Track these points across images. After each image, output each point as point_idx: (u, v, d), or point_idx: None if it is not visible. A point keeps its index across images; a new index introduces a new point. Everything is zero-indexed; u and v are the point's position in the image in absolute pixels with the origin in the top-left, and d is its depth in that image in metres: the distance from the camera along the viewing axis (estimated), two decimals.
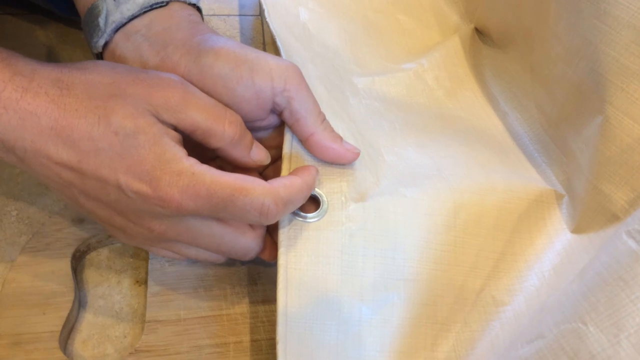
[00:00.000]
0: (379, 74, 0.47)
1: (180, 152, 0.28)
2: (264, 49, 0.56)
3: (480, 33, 0.51)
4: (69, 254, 0.39)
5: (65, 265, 0.38)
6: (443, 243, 0.35)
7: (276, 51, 0.56)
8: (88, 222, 0.40)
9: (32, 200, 0.42)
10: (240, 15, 0.60)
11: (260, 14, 0.61)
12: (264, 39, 0.58)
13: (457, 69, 0.49)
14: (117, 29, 0.34)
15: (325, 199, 0.34)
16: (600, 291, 0.27)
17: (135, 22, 0.34)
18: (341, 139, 0.34)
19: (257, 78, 0.32)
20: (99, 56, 0.35)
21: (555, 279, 0.33)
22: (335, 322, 0.31)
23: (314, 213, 0.33)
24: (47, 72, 0.27)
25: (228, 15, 0.60)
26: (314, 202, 0.34)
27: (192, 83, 0.31)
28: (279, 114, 0.34)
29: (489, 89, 0.47)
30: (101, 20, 0.34)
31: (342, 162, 0.34)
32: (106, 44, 0.34)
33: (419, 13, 0.57)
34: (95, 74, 0.28)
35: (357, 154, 0.34)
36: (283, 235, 0.32)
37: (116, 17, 0.33)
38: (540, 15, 0.40)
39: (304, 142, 0.34)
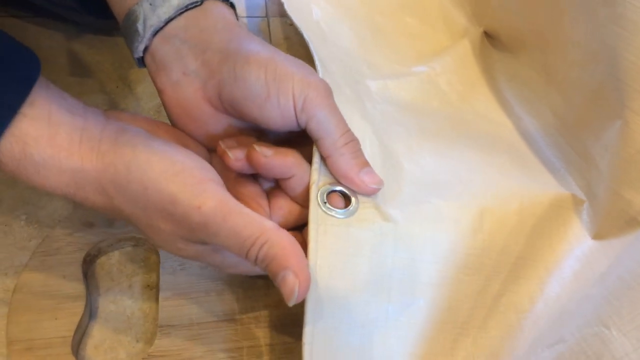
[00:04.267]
0: (391, 77, 0.47)
1: None
2: None
3: (489, 37, 0.51)
4: (80, 258, 0.38)
5: (76, 269, 0.38)
6: (470, 247, 0.35)
7: (287, 52, 0.56)
8: (98, 226, 0.40)
9: (42, 204, 0.42)
10: (247, 17, 0.60)
11: (267, 16, 0.60)
12: (270, 40, 0.58)
13: (468, 72, 0.49)
14: (155, 33, 0.34)
15: (354, 196, 0.33)
16: (623, 295, 0.27)
17: (172, 24, 0.34)
18: (362, 167, 0.33)
19: (281, 97, 0.32)
20: (140, 60, 0.36)
21: (575, 286, 0.33)
22: (361, 322, 0.31)
23: (344, 210, 0.32)
24: (92, 179, 0.29)
25: None
26: (345, 200, 0.33)
27: (228, 93, 0.33)
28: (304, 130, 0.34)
29: (502, 93, 0.47)
30: (140, 26, 0.34)
31: (357, 191, 0.33)
32: (146, 48, 0.35)
33: (427, 16, 0.56)
34: (130, 196, 0.30)
35: (375, 189, 0.33)
36: (313, 233, 0.31)
37: (153, 21, 0.34)
38: (554, 19, 0.40)
39: (324, 161, 0.34)
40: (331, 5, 0.53)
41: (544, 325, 0.33)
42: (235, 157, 0.32)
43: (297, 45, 0.57)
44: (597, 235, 0.35)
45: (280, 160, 0.32)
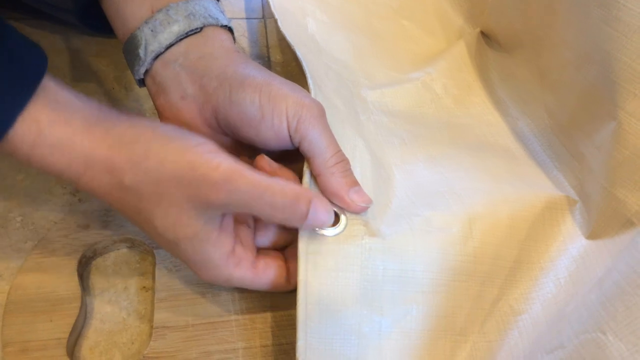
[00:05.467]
0: (387, 86, 0.47)
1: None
2: (267, 52, 0.56)
3: (486, 37, 0.51)
4: (75, 259, 0.38)
5: (71, 271, 0.38)
6: (462, 254, 0.35)
7: (282, 54, 0.57)
8: (94, 228, 0.40)
9: (37, 206, 0.42)
10: (247, 18, 0.60)
11: (264, 17, 0.61)
12: (267, 42, 0.58)
13: (464, 75, 0.49)
14: (156, 57, 0.36)
15: (343, 214, 0.34)
16: (618, 300, 0.27)
17: (173, 49, 0.36)
18: (351, 186, 0.34)
19: (275, 118, 0.33)
20: (141, 82, 0.38)
21: (571, 285, 0.33)
22: (355, 336, 0.31)
23: (333, 227, 0.33)
24: (103, 157, 0.31)
25: (233, 18, 0.60)
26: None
27: (224, 116, 0.35)
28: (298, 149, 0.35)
29: (497, 93, 0.47)
30: (141, 51, 0.36)
31: (346, 209, 0.35)
32: (147, 71, 0.36)
33: (424, 18, 0.57)
34: (145, 170, 0.31)
35: (364, 208, 0.34)
36: (302, 250, 0.32)
37: (155, 47, 0.35)
38: (549, 20, 0.40)
39: (314, 179, 0.35)
40: (327, 16, 0.53)
41: (542, 328, 0.33)
42: None
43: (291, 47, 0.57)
44: (592, 235, 0.35)
45: (283, 175, 0.34)
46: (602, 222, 0.34)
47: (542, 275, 0.34)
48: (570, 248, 0.35)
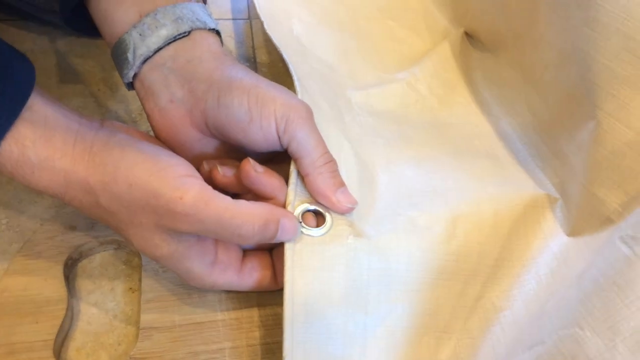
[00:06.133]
0: (373, 86, 0.48)
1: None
2: (254, 53, 0.57)
3: (470, 37, 0.52)
4: (61, 261, 0.38)
5: (57, 273, 0.38)
6: (446, 253, 0.35)
7: (268, 54, 0.57)
8: (80, 230, 0.40)
9: (23, 208, 0.42)
10: (233, 19, 0.60)
11: (250, 18, 0.61)
12: (253, 43, 0.58)
13: (448, 75, 0.49)
14: (144, 61, 0.36)
15: (329, 214, 0.35)
16: (596, 296, 0.27)
17: (161, 53, 0.36)
18: (338, 186, 0.35)
19: (264, 121, 0.34)
20: (130, 85, 0.37)
21: (552, 282, 0.34)
22: (340, 335, 0.32)
23: (319, 228, 0.34)
24: (81, 178, 0.31)
25: (219, 19, 0.60)
26: (318, 218, 0.35)
27: (213, 120, 0.35)
28: (286, 150, 0.36)
29: (481, 93, 0.48)
30: (130, 55, 0.36)
31: (332, 210, 0.35)
32: (135, 75, 0.36)
33: (409, 18, 0.57)
34: (115, 194, 0.31)
35: (349, 208, 0.35)
36: (289, 250, 0.33)
37: (143, 51, 0.35)
38: (531, 20, 0.41)
39: (303, 179, 0.35)
40: (313, 17, 0.53)
41: (523, 325, 0.33)
42: (224, 172, 0.35)
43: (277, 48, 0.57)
44: (572, 232, 0.35)
45: (267, 179, 0.34)
46: (583, 220, 0.35)
47: (524, 272, 0.34)
48: (552, 245, 0.35)
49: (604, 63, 0.33)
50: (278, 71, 0.55)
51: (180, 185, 0.30)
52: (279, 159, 0.37)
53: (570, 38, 0.35)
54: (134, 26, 0.35)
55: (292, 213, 0.33)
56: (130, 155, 0.31)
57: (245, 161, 0.34)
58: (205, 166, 0.36)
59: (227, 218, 0.30)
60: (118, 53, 0.36)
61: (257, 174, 0.34)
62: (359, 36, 0.54)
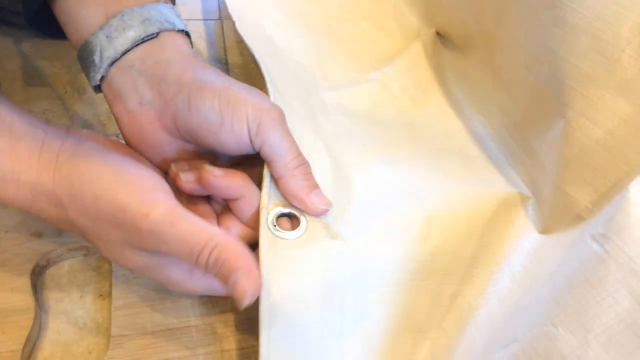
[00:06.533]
0: (346, 87, 0.48)
1: None
2: (225, 54, 0.56)
3: (441, 37, 0.52)
4: (29, 269, 0.37)
5: (24, 281, 0.37)
6: (421, 253, 0.36)
7: (240, 55, 0.56)
8: (47, 236, 0.39)
9: None
10: (204, 19, 0.60)
11: (221, 18, 0.60)
12: (225, 44, 0.57)
13: (421, 74, 0.50)
14: (111, 63, 0.35)
15: (303, 217, 0.34)
16: (568, 294, 0.27)
17: (129, 55, 0.35)
18: (312, 188, 0.34)
19: (236, 124, 0.33)
20: (97, 88, 0.37)
21: (526, 279, 0.34)
22: (317, 338, 0.32)
23: (293, 231, 0.34)
24: (48, 190, 0.30)
25: (189, 20, 0.59)
26: (293, 221, 0.35)
27: (184, 123, 0.34)
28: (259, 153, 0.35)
29: (453, 93, 0.48)
30: (96, 57, 0.35)
31: (306, 212, 0.35)
32: (103, 77, 0.36)
33: (381, 18, 0.57)
34: (82, 207, 0.30)
35: (324, 210, 0.34)
36: (263, 253, 0.32)
37: (110, 53, 0.35)
38: (501, 20, 0.41)
39: (275, 182, 0.35)
40: (285, 17, 0.53)
41: (498, 322, 0.34)
42: (187, 179, 0.34)
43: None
44: (544, 230, 0.36)
45: (228, 181, 0.33)
46: (554, 217, 0.35)
47: (498, 271, 0.35)
48: (524, 243, 0.35)
49: (573, 63, 0.33)
50: (250, 72, 0.54)
51: (148, 200, 0.29)
52: (251, 162, 0.37)
53: (540, 38, 0.36)
54: (101, 28, 0.35)
55: (258, 274, 0.31)
56: (96, 166, 0.30)
57: (202, 170, 0.33)
58: (173, 168, 0.35)
59: (194, 242, 0.29)
60: (84, 55, 0.36)
61: (217, 178, 0.33)
62: (331, 36, 0.54)
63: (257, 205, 0.34)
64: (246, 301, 0.29)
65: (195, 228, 0.29)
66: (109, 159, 0.31)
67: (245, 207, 0.34)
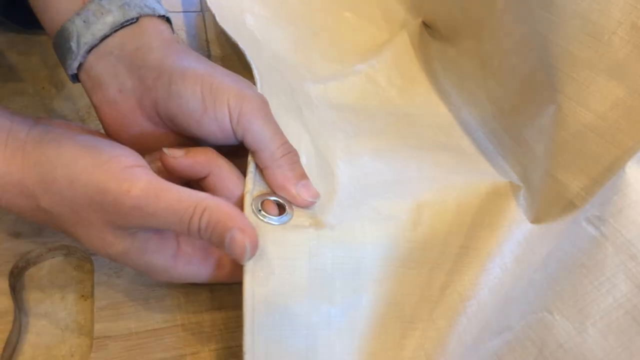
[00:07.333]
0: (331, 80, 0.47)
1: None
2: (207, 46, 0.55)
3: (428, 27, 0.52)
4: (7, 271, 0.36)
5: (2, 283, 0.35)
6: (411, 240, 0.35)
7: (222, 48, 0.55)
8: (25, 236, 0.38)
9: None
10: (184, 12, 0.59)
11: (202, 10, 0.59)
12: (206, 36, 0.56)
13: (408, 65, 0.49)
14: (89, 50, 0.34)
15: (289, 205, 0.33)
16: (564, 279, 0.27)
17: (108, 41, 0.34)
18: (298, 179, 0.33)
19: (218, 111, 0.32)
20: (75, 77, 0.35)
21: (517, 270, 0.33)
22: (304, 327, 0.31)
23: (280, 216, 0.32)
24: (16, 181, 0.29)
25: (170, 12, 0.58)
26: (278, 208, 0.33)
27: (165, 110, 0.33)
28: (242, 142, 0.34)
29: (441, 83, 0.48)
30: (73, 44, 0.33)
31: (293, 203, 0.34)
32: (80, 65, 0.34)
33: (366, 9, 0.57)
34: (56, 194, 0.29)
35: (311, 202, 0.34)
36: None
37: (88, 39, 0.33)
38: (488, 7, 0.41)
39: (261, 172, 0.34)
40: (267, 10, 0.52)
41: (490, 313, 0.33)
42: (158, 169, 0.33)
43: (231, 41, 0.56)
44: (536, 219, 0.35)
45: (189, 160, 0.32)
46: (546, 206, 0.35)
47: (489, 261, 0.34)
48: (516, 233, 0.35)
49: (563, 46, 0.33)
50: (233, 64, 0.53)
51: (127, 177, 0.28)
52: (239, 153, 0.35)
53: (529, 23, 0.35)
54: (77, 13, 0.33)
55: (253, 229, 0.30)
56: (68, 150, 0.29)
57: (161, 153, 0.32)
58: (147, 159, 0.33)
59: (181, 211, 0.28)
60: (60, 43, 0.34)
61: (176, 159, 0.32)
62: (314, 28, 0.54)
63: (231, 181, 0.33)
64: (247, 255, 0.29)
65: (181, 195, 0.29)
66: (79, 140, 0.30)
67: (218, 184, 0.33)
